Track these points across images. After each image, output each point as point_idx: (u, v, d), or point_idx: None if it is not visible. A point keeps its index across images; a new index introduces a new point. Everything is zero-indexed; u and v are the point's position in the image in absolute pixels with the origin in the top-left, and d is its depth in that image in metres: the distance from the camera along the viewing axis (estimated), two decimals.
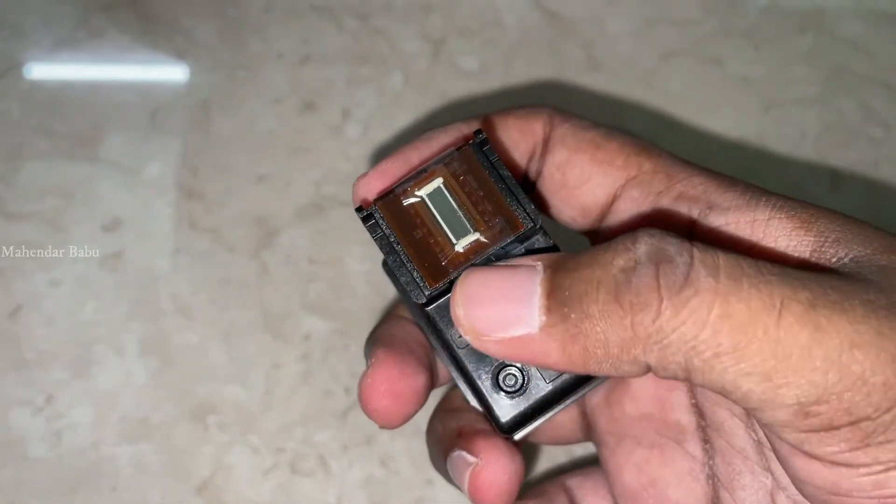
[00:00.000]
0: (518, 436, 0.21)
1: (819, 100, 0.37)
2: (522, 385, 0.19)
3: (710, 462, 0.21)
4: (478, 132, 0.19)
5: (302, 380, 0.31)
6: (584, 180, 0.21)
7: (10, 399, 0.30)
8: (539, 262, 0.17)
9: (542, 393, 0.19)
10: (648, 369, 0.16)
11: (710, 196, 0.19)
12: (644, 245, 0.16)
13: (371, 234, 0.19)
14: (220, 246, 0.33)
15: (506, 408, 0.19)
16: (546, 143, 0.21)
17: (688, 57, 0.38)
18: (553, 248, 0.19)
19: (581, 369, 0.16)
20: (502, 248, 0.19)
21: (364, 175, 0.21)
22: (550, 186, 0.21)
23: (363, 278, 0.33)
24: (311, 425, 0.30)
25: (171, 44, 0.37)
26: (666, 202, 0.20)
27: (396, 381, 0.20)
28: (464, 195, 0.19)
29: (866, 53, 0.38)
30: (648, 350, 0.15)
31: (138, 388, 0.31)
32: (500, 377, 0.19)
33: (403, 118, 0.36)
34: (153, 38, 0.37)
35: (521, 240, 0.19)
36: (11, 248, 0.32)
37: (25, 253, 0.32)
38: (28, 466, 0.29)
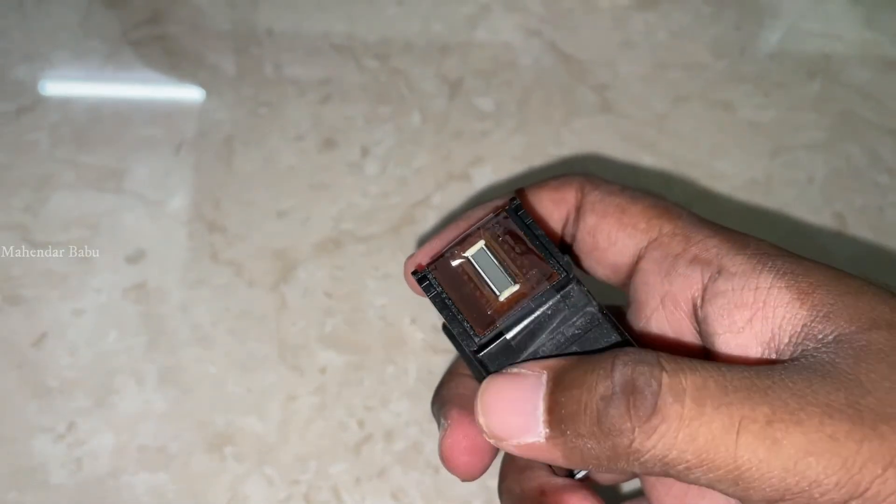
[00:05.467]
0: (580, 475, 0.23)
1: (826, 145, 0.38)
2: None
3: None
4: (512, 199, 0.22)
5: (317, 412, 0.32)
6: (612, 243, 0.23)
7: (33, 426, 0.31)
8: (545, 373, 0.19)
9: None
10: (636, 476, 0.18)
11: (722, 260, 0.21)
12: (619, 375, 0.18)
13: (426, 293, 0.21)
14: (241, 279, 0.34)
15: None
16: (578, 210, 0.24)
17: (698, 101, 0.39)
18: (587, 296, 0.21)
19: (586, 470, 0.19)
20: (540, 296, 0.21)
21: (412, 255, 0.24)
22: (584, 248, 0.24)
23: (379, 313, 0.33)
24: (325, 458, 0.31)
25: (196, 79, 0.38)
26: (682, 264, 0.21)
27: (474, 437, 0.22)
28: (503, 253, 0.21)
29: (873, 100, 0.39)
30: (631, 464, 0.18)
31: (157, 418, 0.31)
32: None
33: (421, 156, 0.37)
34: (179, 73, 0.38)
35: (556, 289, 0.21)
36: (37, 276, 0.33)
37: (51, 282, 0.33)
38: (49, 493, 0.30)
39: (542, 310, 0.21)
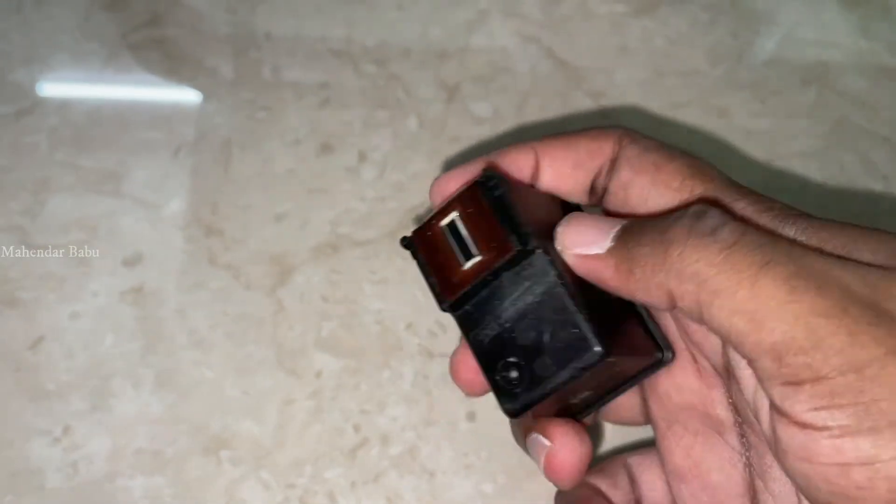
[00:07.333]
0: (585, 417, 0.25)
1: (821, 153, 0.38)
2: (522, 380, 0.22)
3: (747, 453, 0.23)
4: (485, 170, 0.23)
5: (313, 416, 0.32)
6: (644, 200, 0.23)
7: (29, 429, 0.31)
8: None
9: (540, 387, 0.22)
10: (671, 301, 0.20)
11: (748, 220, 0.22)
12: (695, 207, 0.20)
13: (414, 258, 0.23)
14: (238, 283, 0.34)
15: (510, 396, 0.22)
16: (613, 163, 0.24)
17: (695, 108, 0.39)
18: (549, 266, 0.22)
19: (625, 288, 0.21)
20: (500, 266, 0.22)
21: (439, 177, 0.25)
22: (615, 203, 0.24)
23: (375, 317, 0.34)
24: (321, 462, 0.31)
25: (195, 83, 0.38)
26: None
27: None
28: (472, 224, 0.23)
29: (868, 108, 0.39)
30: (671, 276, 0.19)
31: (154, 421, 0.31)
32: (506, 371, 0.22)
33: (418, 161, 0.37)
34: (178, 76, 0.38)
35: (517, 259, 0.22)
36: (35, 279, 0.33)
37: (48, 285, 0.33)
38: (45, 497, 0.30)
39: (500, 278, 0.22)
